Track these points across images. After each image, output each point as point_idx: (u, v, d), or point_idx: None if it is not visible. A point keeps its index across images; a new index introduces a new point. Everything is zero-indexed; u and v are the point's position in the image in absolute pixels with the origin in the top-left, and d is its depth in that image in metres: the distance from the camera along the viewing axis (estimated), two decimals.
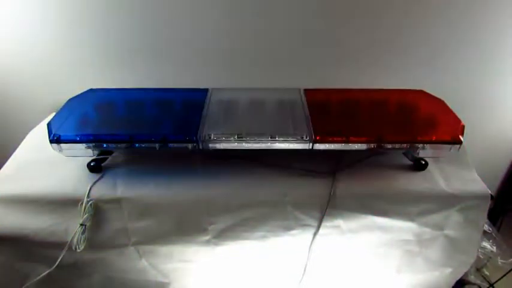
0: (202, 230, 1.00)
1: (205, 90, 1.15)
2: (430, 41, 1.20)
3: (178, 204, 0.97)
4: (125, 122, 1.05)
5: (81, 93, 1.12)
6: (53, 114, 1.07)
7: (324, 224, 0.99)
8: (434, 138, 0.98)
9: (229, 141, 0.98)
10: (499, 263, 1.17)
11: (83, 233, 0.95)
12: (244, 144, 0.98)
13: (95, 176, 0.99)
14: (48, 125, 0.98)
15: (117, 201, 0.96)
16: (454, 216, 1.01)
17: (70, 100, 1.09)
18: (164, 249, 1.03)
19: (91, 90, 1.14)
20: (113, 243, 1.01)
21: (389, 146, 0.99)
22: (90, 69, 1.26)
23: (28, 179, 0.99)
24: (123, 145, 0.98)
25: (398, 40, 1.20)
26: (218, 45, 1.21)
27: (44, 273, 0.95)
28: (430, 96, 1.13)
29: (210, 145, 0.98)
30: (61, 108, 1.06)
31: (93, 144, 0.98)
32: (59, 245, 0.94)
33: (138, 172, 1.02)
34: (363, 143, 0.98)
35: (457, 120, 1.01)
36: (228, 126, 1.00)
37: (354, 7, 1.14)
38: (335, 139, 0.98)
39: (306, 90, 1.15)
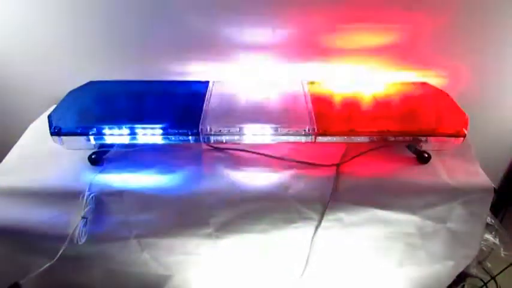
0: (204, 223, 1.00)
1: (207, 83, 1.14)
2: (434, 34, 1.19)
3: (180, 197, 0.97)
4: (126, 115, 1.05)
5: (82, 86, 1.12)
6: (54, 106, 1.06)
7: (326, 217, 0.99)
8: (437, 131, 0.98)
9: (230, 134, 0.97)
10: (502, 254, 1.17)
11: (84, 225, 0.94)
12: (246, 136, 0.98)
13: (96, 169, 0.99)
14: (49, 117, 0.97)
15: (118, 194, 0.96)
16: (457, 210, 1.00)
17: (70, 92, 1.09)
18: (166, 242, 1.03)
19: (91, 82, 1.14)
20: (114, 236, 1.01)
21: (392, 138, 0.99)
22: (90, 61, 1.25)
23: (29, 172, 0.99)
24: (124, 138, 0.98)
25: (402, 32, 1.19)
26: (219, 37, 1.20)
27: (45, 266, 0.95)
28: (434, 88, 1.13)
29: (212, 138, 0.97)
30: (61, 101, 1.05)
31: (94, 136, 0.97)
32: (60, 238, 0.94)
33: (139, 165, 1.01)
34: (365, 135, 0.98)
35: (461, 113, 1.00)
36: (230, 118, 1.00)
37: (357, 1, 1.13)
38: (337, 132, 0.97)
39: (309, 83, 1.14)
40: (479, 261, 1.27)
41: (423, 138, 0.98)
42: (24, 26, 1.18)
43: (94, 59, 1.24)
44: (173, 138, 0.98)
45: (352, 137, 0.98)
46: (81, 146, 0.99)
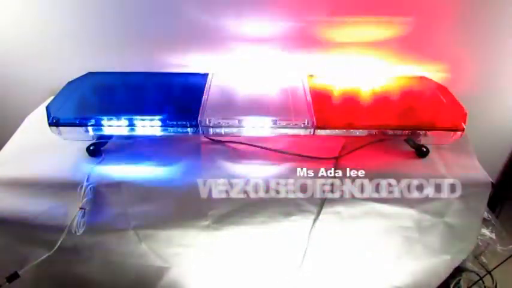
0: (202, 215, 1.00)
1: (206, 75, 1.14)
2: (434, 28, 1.19)
3: (178, 189, 0.97)
4: (125, 106, 1.05)
5: (80, 77, 1.12)
6: (52, 97, 1.06)
7: (324, 210, 0.99)
8: (436, 125, 0.98)
9: (229, 126, 0.97)
10: (498, 249, 1.18)
11: (82, 216, 0.94)
12: (245, 129, 0.98)
13: (95, 160, 0.99)
14: (47, 108, 0.97)
15: (116, 185, 0.95)
16: (454, 204, 1.00)
17: (69, 83, 1.08)
18: (164, 234, 1.03)
19: (90, 73, 1.13)
20: (112, 227, 1.01)
21: (391, 132, 0.99)
22: (89, 53, 1.25)
23: (27, 162, 0.99)
24: (123, 129, 0.98)
25: (402, 26, 1.19)
26: (219, 30, 1.19)
27: (43, 257, 0.95)
28: (433, 82, 1.13)
29: (211, 130, 0.97)
30: (60, 91, 1.05)
31: (93, 127, 0.97)
32: (58, 229, 0.94)
33: (138, 156, 1.01)
34: (364, 129, 0.98)
35: (460, 107, 1.00)
36: (229, 111, 1.00)
37: None
38: (336, 125, 0.97)
39: (308, 76, 1.14)
40: (476, 256, 1.28)
41: (422, 132, 0.98)
42: (23, 17, 1.17)
43: (93, 50, 1.24)
44: (172, 130, 0.97)
45: (351, 131, 0.98)
46: (79, 137, 0.99)
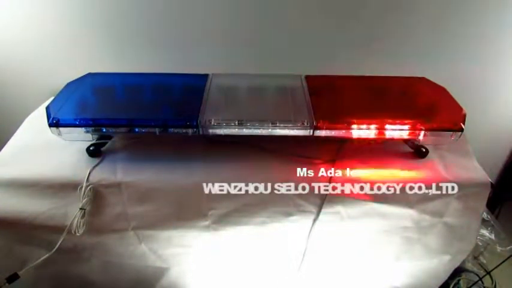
0: (202, 216, 1.00)
1: (206, 76, 1.14)
2: (433, 29, 1.19)
3: (178, 189, 0.97)
4: (125, 107, 1.05)
5: (80, 77, 1.12)
6: (52, 98, 1.06)
7: (323, 210, 0.99)
8: (435, 125, 0.98)
9: (229, 127, 0.97)
10: (498, 250, 1.18)
11: (82, 217, 0.94)
12: (244, 129, 0.98)
13: (95, 160, 0.99)
14: (47, 108, 0.97)
15: (116, 185, 0.95)
16: (453, 204, 1.01)
17: (69, 84, 1.08)
18: (164, 234, 1.03)
19: (90, 74, 1.13)
20: (112, 227, 1.01)
21: (390, 132, 0.99)
22: (89, 53, 1.25)
23: (27, 163, 0.99)
24: (123, 130, 0.98)
25: (401, 27, 1.19)
26: (219, 31, 1.20)
27: (43, 257, 0.95)
28: (431, 83, 1.13)
29: (210, 130, 0.97)
30: (60, 92, 1.05)
31: (92, 128, 0.97)
32: (58, 229, 0.94)
33: (138, 157, 1.02)
34: (363, 129, 0.98)
35: (459, 108, 1.00)
36: (229, 111, 1.00)
37: None
38: (336, 126, 0.97)
39: (307, 77, 1.15)
40: (475, 256, 1.28)
41: (421, 133, 0.99)
42: (23, 18, 1.17)
43: (93, 51, 1.24)
44: (172, 131, 0.97)
45: (351, 131, 0.98)
46: (79, 138, 0.98)
